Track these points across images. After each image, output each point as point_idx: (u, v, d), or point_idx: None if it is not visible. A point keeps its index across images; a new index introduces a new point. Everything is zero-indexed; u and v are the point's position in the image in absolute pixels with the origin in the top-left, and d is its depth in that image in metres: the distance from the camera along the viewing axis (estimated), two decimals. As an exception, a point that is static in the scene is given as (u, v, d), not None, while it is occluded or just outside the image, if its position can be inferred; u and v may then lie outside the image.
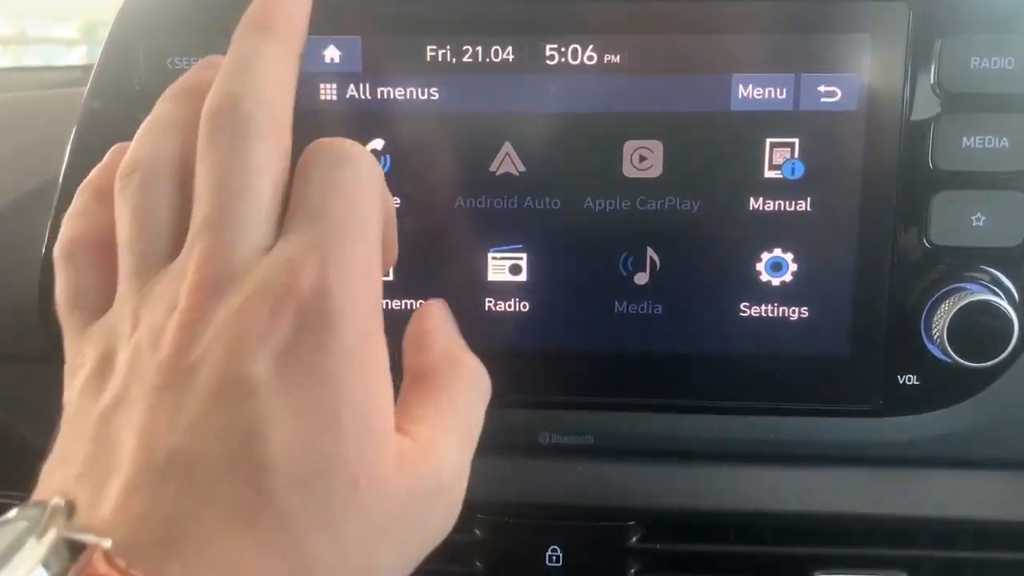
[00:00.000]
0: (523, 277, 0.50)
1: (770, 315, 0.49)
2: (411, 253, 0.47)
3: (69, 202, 0.49)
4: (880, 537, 0.51)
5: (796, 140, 0.47)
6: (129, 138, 0.48)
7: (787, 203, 0.48)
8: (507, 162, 0.49)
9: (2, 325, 0.55)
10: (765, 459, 0.52)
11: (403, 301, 0.51)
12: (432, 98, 0.49)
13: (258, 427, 0.26)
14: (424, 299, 0.40)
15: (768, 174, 0.48)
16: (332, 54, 0.49)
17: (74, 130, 0.50)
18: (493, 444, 0.51)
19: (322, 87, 0.49)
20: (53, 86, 1.13)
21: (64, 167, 0.51)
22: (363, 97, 0.49)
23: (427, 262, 0.50)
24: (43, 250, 0.51)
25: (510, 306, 0.50)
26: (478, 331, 0.50)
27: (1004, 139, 0.47)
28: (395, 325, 0.33)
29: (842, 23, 0.47)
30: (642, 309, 0.50)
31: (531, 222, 0.49)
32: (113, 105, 0.49)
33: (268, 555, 0.25)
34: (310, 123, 0.48)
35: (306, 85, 0.48)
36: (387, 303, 0.50)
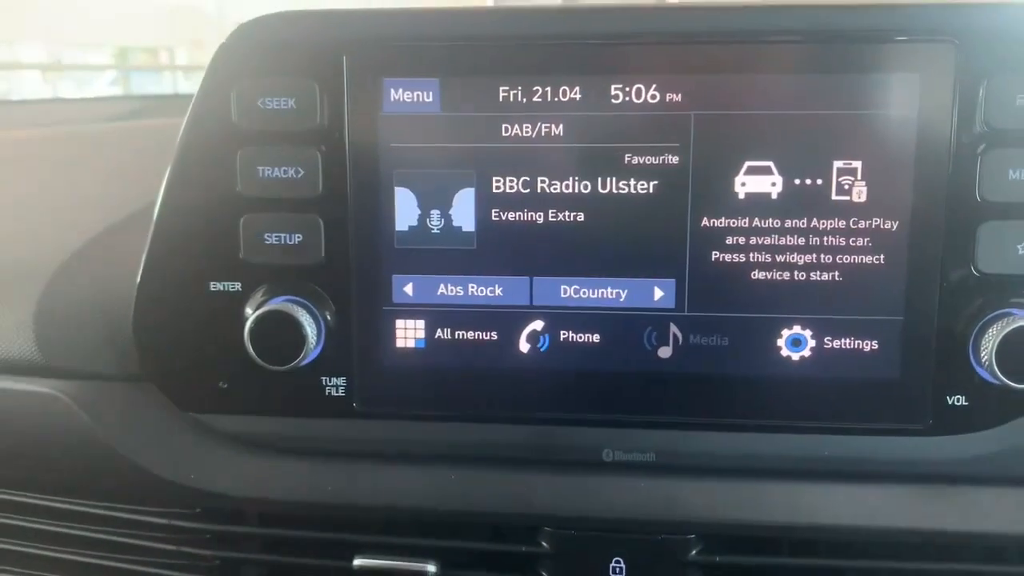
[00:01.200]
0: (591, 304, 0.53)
1: (827, 339, 0.52)
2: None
3: (166, 230, 0.54)
4: (929, 551, 0.53)
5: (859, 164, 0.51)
6: (222, 172, 0.52)
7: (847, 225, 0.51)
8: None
9: (99, 347, 0.58)
10: (819, 476, 0.54)
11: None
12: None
13: None
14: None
15: (835, 197, 0.51)
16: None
17: (171, 163, 0.54)
18: (559, 461, 0.55)
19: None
20: (102, 117, 1.18)
21: (161, 197, 0.54)
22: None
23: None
24: (138, 279, 0.55)
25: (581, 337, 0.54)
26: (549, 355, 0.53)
27: None
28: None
29: (893, 63, 0.50)
30: (703, 339, 0.53)
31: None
32: (209, 142, 0.53)
33: None
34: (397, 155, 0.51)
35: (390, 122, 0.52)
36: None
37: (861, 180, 0.51)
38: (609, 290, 0.53)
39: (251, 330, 0.52)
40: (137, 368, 0.57)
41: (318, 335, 0.53)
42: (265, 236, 0.53)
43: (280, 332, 0.52)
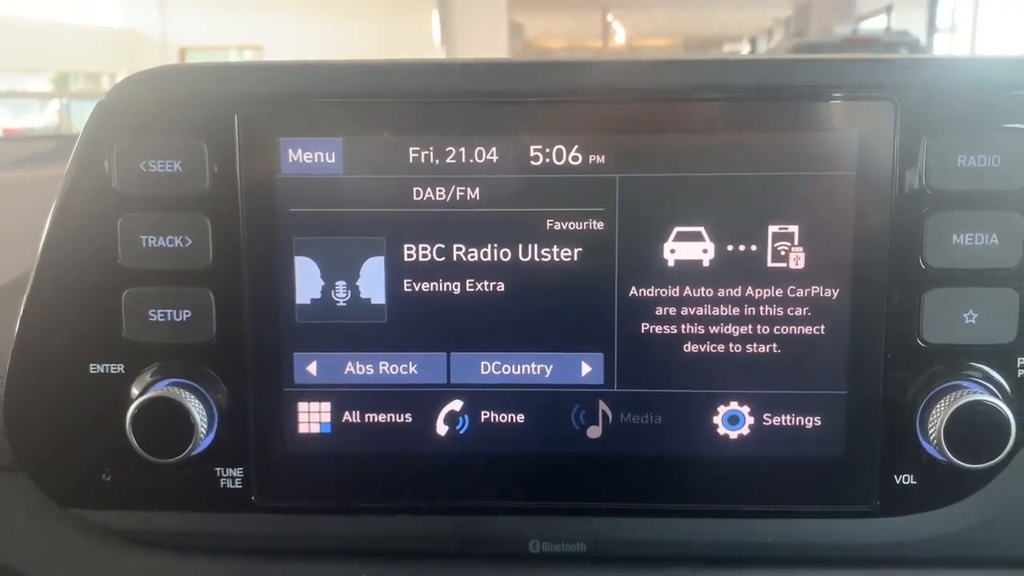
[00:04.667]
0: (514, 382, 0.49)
1: (767, 416, 0.49)
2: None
3: (41, 304, 0.48)
4: None
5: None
6: (101, 241, 0.47)
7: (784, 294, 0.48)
8: None
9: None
10: (762, 563, 0.50)
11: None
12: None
13: None
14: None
15: (771, 264, 0.47)
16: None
17: (46, 230, 0.48)
18: (482, 554, 0.51)
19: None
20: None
21: (35, 267, 0.49)
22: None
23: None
24: (9, 358, 0.49)
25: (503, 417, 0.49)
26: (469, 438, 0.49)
27: (993, 236, 0.46)
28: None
29: (830, 121, 0.47)
30: (635, 418, 0.49)
31: None
32: (87, 209, 0.48)
33: None
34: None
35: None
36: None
37: (798, 246, 0.47)
38: (533, 365, 0.49)
39: (133, 419, 0.46)
40: (9, 458, 0.51)
41: (210, 422, 0.48)
42: (150, 312, 0.48)
43: (165, 421, 0.46)
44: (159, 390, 0.47)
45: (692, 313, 0.48)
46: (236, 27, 9.90)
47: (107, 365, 0.49)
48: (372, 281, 0.48)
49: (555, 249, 0.48)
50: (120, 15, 9.92)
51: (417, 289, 0.49)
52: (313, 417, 0.50)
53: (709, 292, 0.48)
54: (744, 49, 22.18)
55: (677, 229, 0.47)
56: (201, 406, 0.47)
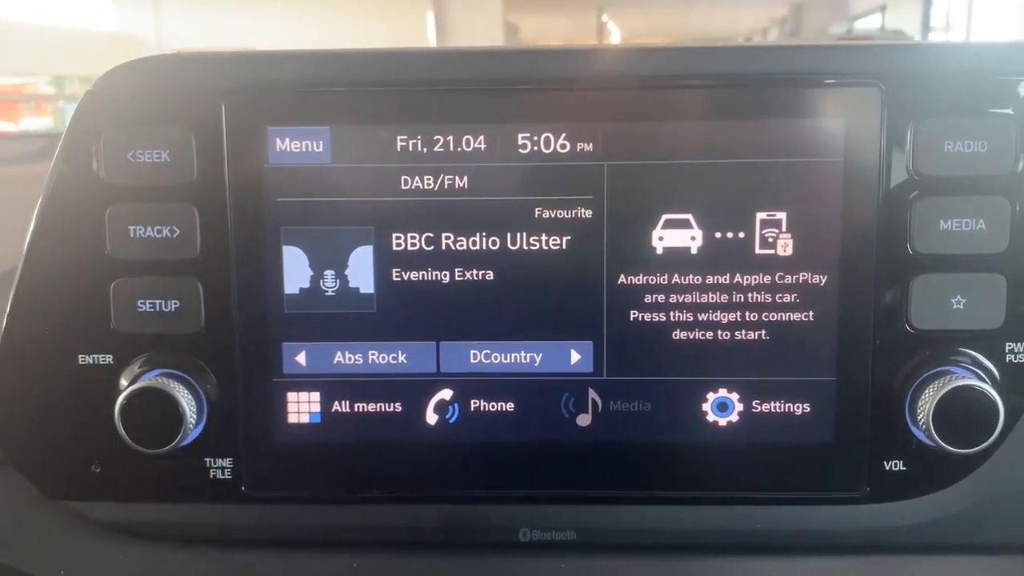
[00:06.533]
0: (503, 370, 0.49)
1: (756, 403, 0.49)
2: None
3: (29, 296, 0.48)
4: None
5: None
6: (89, 232, 0.47)
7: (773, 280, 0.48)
8: None
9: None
10: (752, 550, 0.50)
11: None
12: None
13: None
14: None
15: (759, 251, 0.47)
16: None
17: (33, 221, 0.48)
18: (472, 543, 0.50)
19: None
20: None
21: (22, 259, 0.49)
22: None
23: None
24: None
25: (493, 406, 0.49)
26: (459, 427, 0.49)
27: (981, 221, 0.46)
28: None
29: (817, 108, 0.47)
30: (624, 405, 0.49)
31: None
32: (75, 200, 0.48)
33: None
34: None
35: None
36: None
37: (786, 232, 0.47)
38: (523, 354, 0.49)
39: (121, 410, 0.46)
40: None
41: (199, 412, 0.48)
42: (138, 303, 0.48)
43: (154, 411, 0.46)
44: (147, 380, 0.47)
45: (681, 300, 0.48)
46: (231, 30, 9.89)
47: (96, 356, 0.49)
48: (361, 270, 0.48)
49: (544, 237, 0.48)
50: (114, 19, 9.92)
51: (406, 278, 0.48)
52: (303, 407, 0.49)
53: (697, 279, 0.48)
54: (739, 49, 22.14)
55: (665, 216, 0.47)
56: (190, 396, 0.47)
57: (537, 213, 0.48)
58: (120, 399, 0.46)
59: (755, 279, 0.48)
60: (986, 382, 0.46)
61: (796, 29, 13.01)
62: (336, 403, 0.49)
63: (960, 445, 0.45)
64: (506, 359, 0.49)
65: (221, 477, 0.50)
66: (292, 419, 0.49)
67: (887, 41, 0.48)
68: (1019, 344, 0.47)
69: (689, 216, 0.47)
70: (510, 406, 0.49)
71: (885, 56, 0.47)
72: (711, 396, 0.49)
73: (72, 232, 0.48)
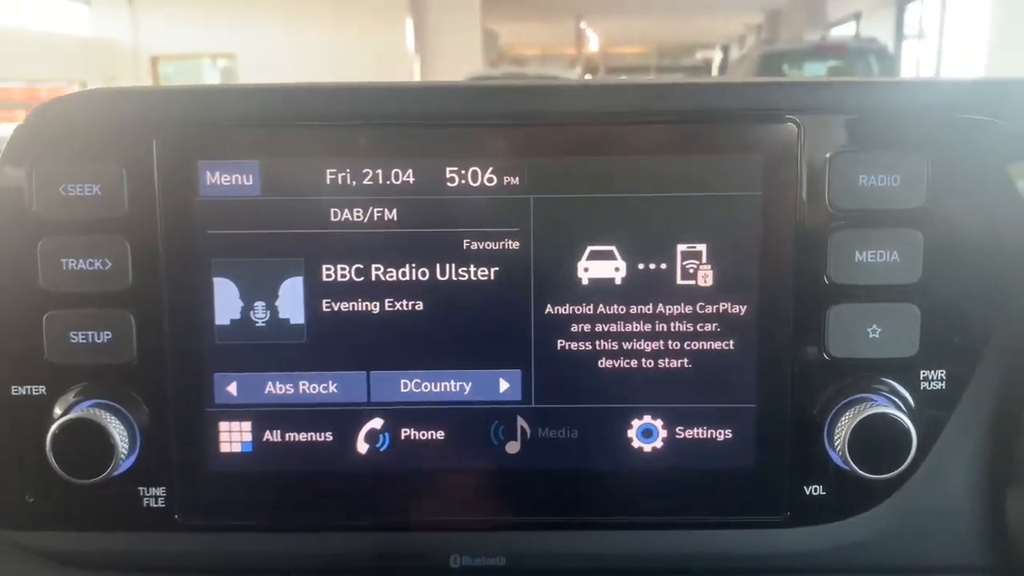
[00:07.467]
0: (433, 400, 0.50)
1: (679, 429, 0.50)
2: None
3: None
4: None
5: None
6: (22, 264, 0.48)
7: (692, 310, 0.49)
8: None
9: None
10: (680, 573, 0.51)
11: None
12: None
13: None
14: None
15: (681, 281, 0.49)
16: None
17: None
18: (403, 569, 0.51)
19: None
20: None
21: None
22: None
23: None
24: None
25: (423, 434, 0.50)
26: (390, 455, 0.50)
27: (895, 253, 0.48)
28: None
29: (735, 143, 0.48)
30: (552, 433, 0.50)
31: None
32: (7, 232, 0.48)
33: None
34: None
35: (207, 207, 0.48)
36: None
37: (706, 263, 0.49)
38: (452, 383, 0.50)
39: (52, 441, 0.47)
40: None
41: (132, 442, 0.48)
42: (71, 335, 0.49)
43: (85, 442, 0.47)
44: (79, 412, 0.47)
45: (606, 330, 0.49)
46: (208, 35, 9.85)
47: (29, 387, 0.49)
48: (291, 301, 0.49)
49: (472, 268, 0.49)
50: (89, 24, 9.84)
51: (336, 309, 0.49)
52: (234, 436, 0.50)
53: (622, 309, 0.49)
54: (717, 55, 22.37)
55: (590, 248, 0.49)
56: (122, 427, 0.48)
57: (465, 245, 0.49)
58: (51, 430, 0.47)
59: (677, 309, 0.49)
60: (901, 410, 0.47)
61: (772, 36, 13.13)
62: (267, 432, 0.50)
63: (875, 471, 0.47)
64: (436, 388, 0.50)
65: (155, 506, 0.50)
66: (224, 448, 0.50)
67: (802, 80, 0.49)
68: (933, 372, 0.49)
69: (613, 248, 0.49)
70: (440, 434, 0.50)
71: (802, 93, 0.48)
72: (636, 423, 0.50)
73: (5, 264, 0.49)
